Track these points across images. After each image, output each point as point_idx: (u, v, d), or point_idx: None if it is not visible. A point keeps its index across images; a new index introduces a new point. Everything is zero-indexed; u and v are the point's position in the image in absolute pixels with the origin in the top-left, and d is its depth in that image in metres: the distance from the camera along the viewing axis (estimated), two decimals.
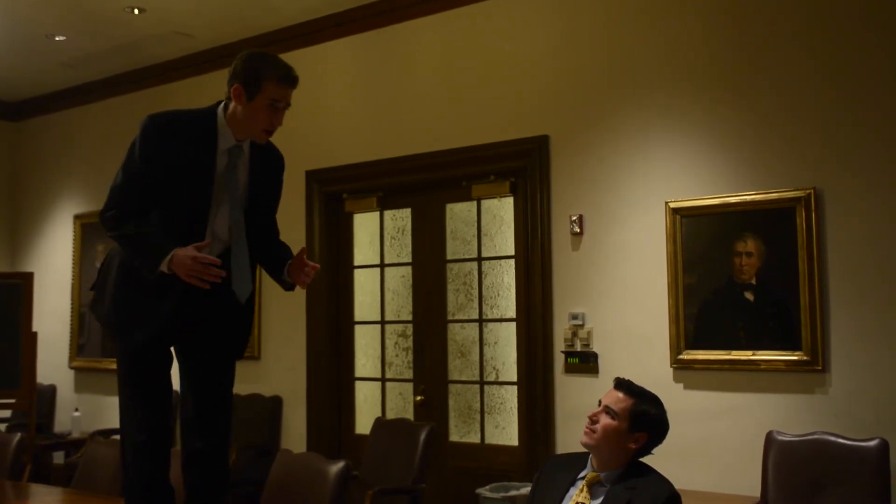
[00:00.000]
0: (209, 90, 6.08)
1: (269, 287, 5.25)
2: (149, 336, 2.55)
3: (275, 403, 5.59)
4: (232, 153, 2.56)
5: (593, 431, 2.49)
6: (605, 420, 2.49)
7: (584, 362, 4.39)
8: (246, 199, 2.63)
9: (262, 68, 2.50)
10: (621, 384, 2.56)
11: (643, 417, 2.48)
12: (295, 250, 2.74)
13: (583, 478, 2.52)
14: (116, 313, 2.58)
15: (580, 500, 2.47)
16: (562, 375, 4.49)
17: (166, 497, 2.65)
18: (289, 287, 2.75)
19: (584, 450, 2.55)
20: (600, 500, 2.44)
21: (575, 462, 2.58)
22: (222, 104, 2.58)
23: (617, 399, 2.51)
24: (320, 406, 5.44)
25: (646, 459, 2.55)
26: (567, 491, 2.52)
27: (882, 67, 3.75)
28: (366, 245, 5.55)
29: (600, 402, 2.55)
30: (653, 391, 2.59)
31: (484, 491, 4.26)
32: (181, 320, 2.56)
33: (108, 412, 6.42)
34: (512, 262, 4.83)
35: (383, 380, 5.38)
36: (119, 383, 2.68)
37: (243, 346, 2.76)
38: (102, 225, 2.54)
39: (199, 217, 2.54)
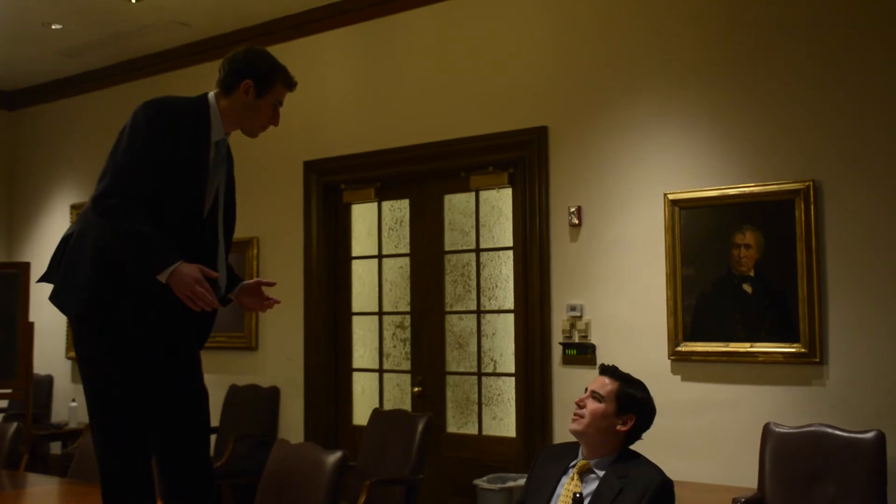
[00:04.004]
0: (207, 79, 6.02)
1: (267, 278, 5.23)
2: (140, 330, 2.40)
3: (272, 394, 5.58)
4: (219, 146, 2.53)
5: (581, 417, 2.50)
6: (592, 404, 2.49)
7: (582, 354, 4.39)
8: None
9: (274, 69, 2.54)
10: (606, 369, 2.58)
11: (629, 399, 2.50)
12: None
13: (574, 466, 2.52)
14: (96, 304, 2.38)
15: (571, 488, 2.47)
16: (559, 367, 4.48)
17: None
18: (225, 303, 2.63)
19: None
20: (592, 487, 2.44)
21: (567, 451, 2.58)
22: (212, 95, 2.54)
23: (603, 383, 2.53)
24: (318, 397, 5.43)
25: (642, 448, 2.55)
26: (559, 480, 2.52)
27: (881, 60, 3.74)
28: (364, 236, 5.54)
29: (587, 389, 2.55)
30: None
31: (481, 482, 4.27)
32: (172, 312, 2.40)
33: None
34: (510, 253, 4.82)
35: (381, 371, 5.38)
36: (97, 396, 2.41)
37: (207, 336, 2.64)
38: (98, 213, 2.35)
39: (193, 208, 2.48)
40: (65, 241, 2.52)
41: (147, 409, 2.46)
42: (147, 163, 2.37)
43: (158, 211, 2.38)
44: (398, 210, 5.37)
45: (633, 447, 2.53)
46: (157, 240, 2.33)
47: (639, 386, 2.55)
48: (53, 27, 5.86)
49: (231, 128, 2.56)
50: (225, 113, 2.52)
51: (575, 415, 2.51)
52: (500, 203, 4.93)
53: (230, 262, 2.64)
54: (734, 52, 4.07)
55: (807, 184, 3.81)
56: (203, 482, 2.58)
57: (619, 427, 2.48)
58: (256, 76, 2.50)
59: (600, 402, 2.49)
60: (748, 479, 3.73)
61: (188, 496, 2.56)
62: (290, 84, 2.57)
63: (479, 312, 4.97)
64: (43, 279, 2.54)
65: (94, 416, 2.46)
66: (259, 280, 2.70)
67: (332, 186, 5.53)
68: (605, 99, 4.43)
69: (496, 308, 4.91)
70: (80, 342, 2.47)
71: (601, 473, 2.46)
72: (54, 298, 2.49)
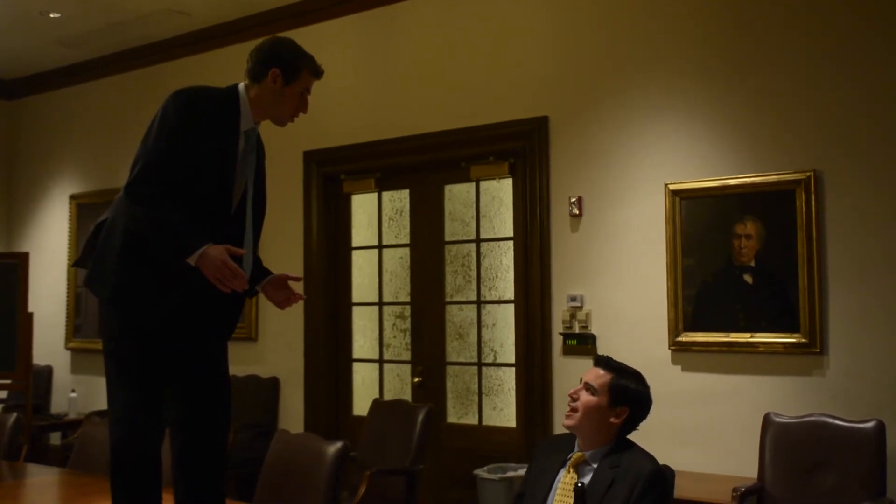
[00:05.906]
0: (206, 69, 6.08)
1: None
2: (165, 316, 2.46)
3: (272, 384, 5.59)
4: (248, 135, 2.57)
5: (574, 410, 2.47)
6: (584, 397, 2.47)
7: (583, 344, 4.39)
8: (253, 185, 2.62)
9: (300, 58, 2.57)
10: (600, 360, 2.54)
11: (623, 392, 2.46)
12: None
13: (570, 458, 2.51)
14: (125, 289, 2.46)
15: (567, 481, 2.46)
16: (560, 357, 4.49)
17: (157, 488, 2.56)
18: (251, 294, 2.68)
19: None
20: (587, 480, 2.41)
21: (566, 442, 2.56)
22: (242, 85, 2.57)
23: (597, 375, 2.49)
24: (318, 387, 5.44)
25: (643, 438, 2.54)
26: (557, 473, 2.50)
27: (882, 50, 3.73)
28: (364, 226, 5.53)
29: (581, 380, 2.53)
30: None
31: (482, 472, 4.28)
32: (196, 301, 2.47)
33: (104, 393, 6.41)
34: (510, 243, 4.82)
35: (381, 361, 5.38)
36: (114, 370, 2.53)
37: (233, 328, 2.70)
38: (130, 199, 2.42)
39: (222, 197, 2.51)
40: (98, 226, 2.58)
41: (162, 392, 2.52)
42: (176, 152, 2.42)
43: (188, 199, 2.43)
44: (398, 200, 5.36)
45: (631, 436, 2.51)
46: (186, 225, 2.39)
47: (634, 377, 2.50)
48: (52, 16, 5.83)
49: (260, 117, 2.59)
50: (254, 102, 2.55)
51: (568, 407, 2.49)
52: (500, 193, 4.92)
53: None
54: (735, 42, 4.06)
55: (808, 174, 3.81)
56: (213, 475, 2.59)
57: (612, 420, 2.45)
58: (283, 65, 2.53)
59: (593, 394, 2.46)
60: (748, 468, 3.73)
61: (197, 488, 2.57)
62: (317, 72, 2.60)
63: (480, 303, 4.97)
64: (77, 264, 2.64)
65: (111, 389, 2.56)
66: (286, 274, 2.72)
67: (332, 176, 5.52)
68: (606, 89, 4.41)
69: (496, 298, 4.91)
70: (106, 324, 2.55)
71: (595, 466, 2.44)
72: (87, 283, 2.58)
